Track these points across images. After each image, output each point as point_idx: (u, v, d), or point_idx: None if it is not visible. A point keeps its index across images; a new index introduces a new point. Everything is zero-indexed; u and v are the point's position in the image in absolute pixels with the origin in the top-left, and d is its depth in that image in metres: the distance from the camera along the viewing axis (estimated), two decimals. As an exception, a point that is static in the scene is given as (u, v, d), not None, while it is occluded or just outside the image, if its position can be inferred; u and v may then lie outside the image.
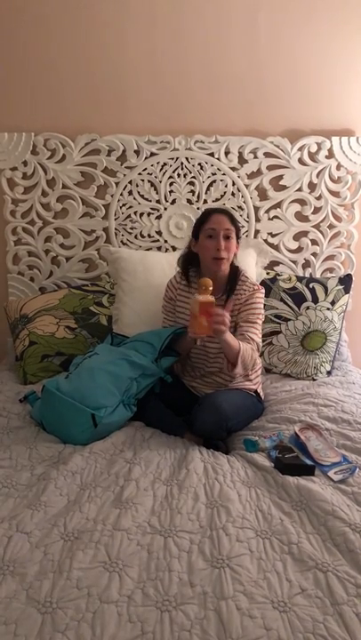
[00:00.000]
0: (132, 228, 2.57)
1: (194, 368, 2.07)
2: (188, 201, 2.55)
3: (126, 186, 2.52)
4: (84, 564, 1.19)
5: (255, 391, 2.04)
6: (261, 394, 2.09)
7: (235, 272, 1.99)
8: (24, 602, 1.09)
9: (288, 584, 1.15)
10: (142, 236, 2.58)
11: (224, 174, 2.51)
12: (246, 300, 1.94)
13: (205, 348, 1.96)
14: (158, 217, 2.56)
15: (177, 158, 2.50)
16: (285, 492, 1.47)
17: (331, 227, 2.59)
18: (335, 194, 2.57)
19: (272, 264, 2.59)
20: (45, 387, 1.82)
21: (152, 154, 2.50)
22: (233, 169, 2.52)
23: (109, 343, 2.12)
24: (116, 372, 1.85)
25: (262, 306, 1.97)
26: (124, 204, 2.55)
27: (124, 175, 2.51)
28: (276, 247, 2.60)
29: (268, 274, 2.47)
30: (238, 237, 1.98)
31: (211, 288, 1.74)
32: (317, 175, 2.53)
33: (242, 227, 2.54)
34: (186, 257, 2.05)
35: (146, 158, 2.49)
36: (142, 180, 2.52)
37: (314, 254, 2.62)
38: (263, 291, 2.01)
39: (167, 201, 2.55)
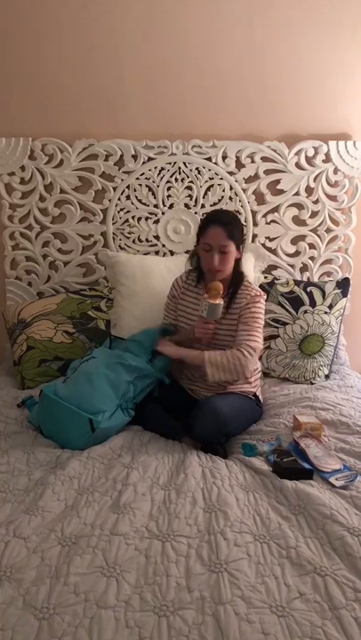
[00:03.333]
0: (129, 233, 2.57)
1: (193, 372, 2.06)
2: (186, 205, 2.55)
3: (124, 190, 2.52)
4: (82, 570, 1.18)
5: (254, 394, 2.04)
6: (260, 397, 2.09)
7: (238, 277, 1.98)
8: (21, 608, 1.08)
9: (286, 588, 1.15)
10: (140, 241, 2.58)
11: (221, 179, 2.52)
12: (247, 303, 1.94)
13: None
14: (156, 221, 2.56)
15: (174, 163, 2.50)
16: (284, 496, 1.47)
17: (328, 231, 2.59)
18: (332, 198, 2.57)
19: (270, 268, 2.59)
20: (43, 391, 1.81)
21: (150, 158, 2.50)
22: (230, 173, 2.52)
23: (107, 347, 2.11)
24: (113, 377, 1.85)
25: (262, 312, 1.97)
26: (121, 209, 2.55)
27: (122, 180, 2.51)
28: (273, 251, 2.60)
29: (265, 278, 2.47)
30: (240, 244, 1.95)
31: (221, 291, 1.87)
32: (315, 179, 2.54)
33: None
34: (199, 259, 2.02)
35: (143, 163, 2.50)
36: (140, 185, 2.52)
37: (311, 258, 2.62)
38: (265, 297, 2.01)
39: (165, 205, 2.55)
